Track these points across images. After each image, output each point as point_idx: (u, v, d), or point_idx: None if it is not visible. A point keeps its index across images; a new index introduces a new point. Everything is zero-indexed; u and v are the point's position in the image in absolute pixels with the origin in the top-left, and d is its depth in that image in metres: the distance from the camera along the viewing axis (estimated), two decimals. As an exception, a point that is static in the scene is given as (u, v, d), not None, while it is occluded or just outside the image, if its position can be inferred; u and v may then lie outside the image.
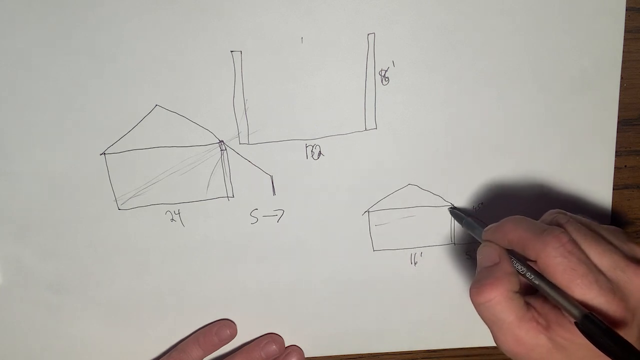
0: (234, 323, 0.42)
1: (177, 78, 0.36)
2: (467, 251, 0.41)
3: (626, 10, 0.36)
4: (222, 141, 0.38)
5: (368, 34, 0.36)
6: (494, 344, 0.31)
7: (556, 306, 0.30)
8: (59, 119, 0.37)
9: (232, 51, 0.36)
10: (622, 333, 0.27)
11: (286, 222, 0.40)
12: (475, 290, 0.30)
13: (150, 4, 0.35)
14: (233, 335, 0.42)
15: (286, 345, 0.43)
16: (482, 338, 0.43)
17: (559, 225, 0.31)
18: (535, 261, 0.30)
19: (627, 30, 0.36)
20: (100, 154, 0.38)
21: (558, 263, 0.28)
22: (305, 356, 0.43)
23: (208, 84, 0.36)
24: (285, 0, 0.35)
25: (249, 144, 0.38)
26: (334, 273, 0.41)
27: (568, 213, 0.33)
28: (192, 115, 0.37)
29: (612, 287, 0.28)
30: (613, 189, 0.40)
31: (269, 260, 0.41)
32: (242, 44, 0.36)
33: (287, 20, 0.36)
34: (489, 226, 0.34)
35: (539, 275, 0.30)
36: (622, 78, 0.37)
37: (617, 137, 0.38)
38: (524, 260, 0.31)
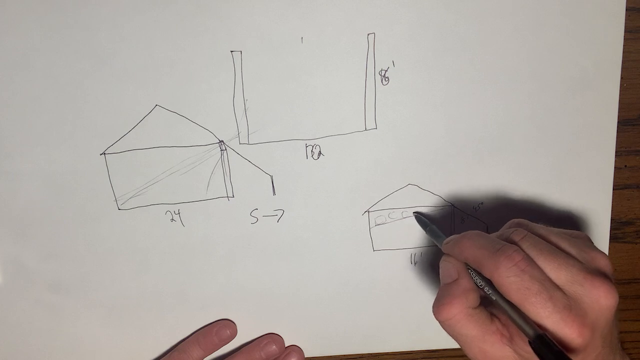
0: (234, 323, 0.42)
1: (177, 78, 0.36)
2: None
3: (626, 10, 0.36)
4: (222, 141, 0.38)
5: (368, 34, 0.36)
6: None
7: None
8: (59, 119, 0.37)
9: (232, 51, 0.36)
10: (581, 350, 0.27)
11: (286, 222, 0.40)
12: (436, 309, 0.30)
13: (151, 4, 0.35)
14: (233, 335, 0.42)
15: (286, 345, 0.43)
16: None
17: (514, 242, 0.30)
18: None
19: (627, 30, 0.36)
20: (100, 154, 0.38)
21: (511, 282, 0.28)
22: (305, 356, 0.43)
23: (208, 84, 0.36)
24: (285, 0, 0.35)
25: (249, 144, 0.38)
26: (334, 273, 0.41)
27: (528, 223, 0.33)
28: (192, 115, 0.37)
29: (569, 303, 0.28)
30: (613, 189, 0.40)
31: (269, 260, 0.41)
32: (242, 44, 0.36)
33: (287, 20, 0.36)
34: (448, 239, 0.34)
35: (497, 291, 0.30)
36: (622, 78, 0.37)
37: (617, 137, 0.38)
38: (482, 274, 0.31)
